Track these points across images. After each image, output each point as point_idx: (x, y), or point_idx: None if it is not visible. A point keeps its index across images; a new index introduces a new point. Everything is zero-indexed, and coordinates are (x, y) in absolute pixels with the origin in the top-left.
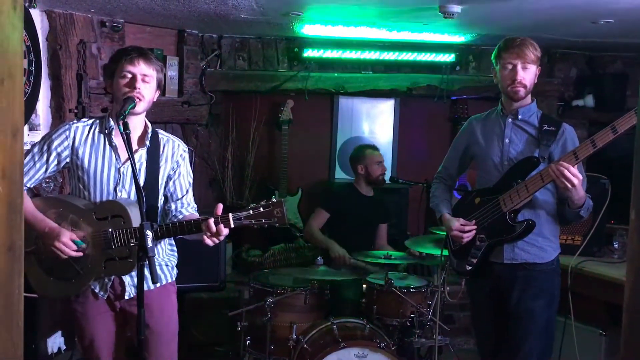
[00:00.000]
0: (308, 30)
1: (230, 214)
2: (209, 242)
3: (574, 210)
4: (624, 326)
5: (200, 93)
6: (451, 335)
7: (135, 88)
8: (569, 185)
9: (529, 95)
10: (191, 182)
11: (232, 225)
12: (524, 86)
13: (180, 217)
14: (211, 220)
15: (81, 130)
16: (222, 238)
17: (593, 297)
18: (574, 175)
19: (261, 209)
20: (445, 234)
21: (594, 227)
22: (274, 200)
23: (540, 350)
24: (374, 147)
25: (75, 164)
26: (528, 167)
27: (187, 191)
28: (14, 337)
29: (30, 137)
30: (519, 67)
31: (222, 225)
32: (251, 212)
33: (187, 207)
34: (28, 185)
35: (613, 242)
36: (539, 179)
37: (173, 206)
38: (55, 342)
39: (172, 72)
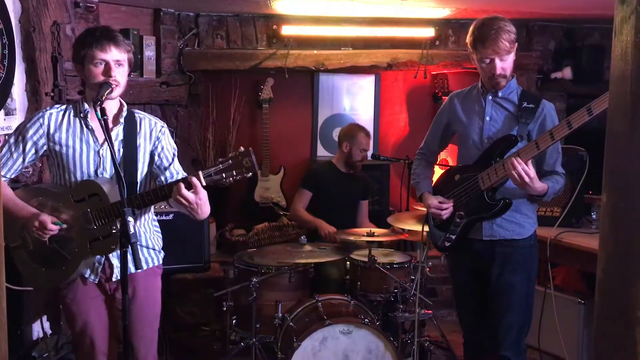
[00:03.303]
0: (286, 6)
1: (200, 171)
2: (183, 208)
3: (536, 199)
4: (596, 307)
5: (179, 73)
6: (434, 308)
7: (110, 76)
8: (520, 182)
9: None
10: (175, 153)
11: (204, 183)
12: (504, 76)
13: None
14: (181, 184)
15: (55, 116)
16: (191, 197)
17: (572, 268)
18: (525, 172)
19: (230, 162)
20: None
21: (573, 199)
22: (242, 150)
23: (520, 323)
24: (367, 133)
25: (53, 151)
26: (506, 145)
27: (172, 159)
28: None
29: (7, 122)
30: (497, 61)
31: (194, 179)
32: (221, 166)
33: (176, 176)
34: (7, 176)
35: (591, 212)
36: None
37: (163, 177)
38: (41, 327)
39: (150, 52)
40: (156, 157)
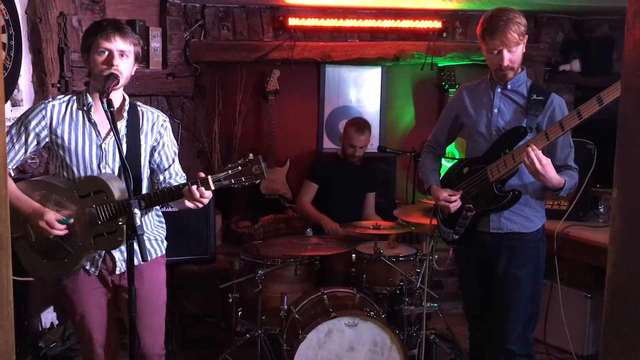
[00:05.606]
0: None
1: (209, 176)
2: (190, 205)
3: (552, 193)
4: (606, 304)
5: (185, 64)
6: (440, 300)
7: (112, 65)
8: (533, 169)
9: None
10: (176, 151)
11: (213, 188)
12: (512, 68)
13: None
14: (194, 186)
15: (58, 108)
16: (205, 201)
17: (579, 261)
18: (539, 159)
19: (239, 168)
20: (434, 203)
21: (580, 192)
22: (252, 157)
23: (526, 317)
24: (360, 129)
25: (55, 143)
26: (516, 137)
27: (173, 160)
28: (5, 327)
29: (13, 113)
30: (505, 52)
31: (203, 189)
32: (230, 172)
33: (175, 177)
34: (10, 166)
35: (599, 206)
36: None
37: (161, 177)
38: (48, 317)
39: (156, 44)
40: (156, 154)
